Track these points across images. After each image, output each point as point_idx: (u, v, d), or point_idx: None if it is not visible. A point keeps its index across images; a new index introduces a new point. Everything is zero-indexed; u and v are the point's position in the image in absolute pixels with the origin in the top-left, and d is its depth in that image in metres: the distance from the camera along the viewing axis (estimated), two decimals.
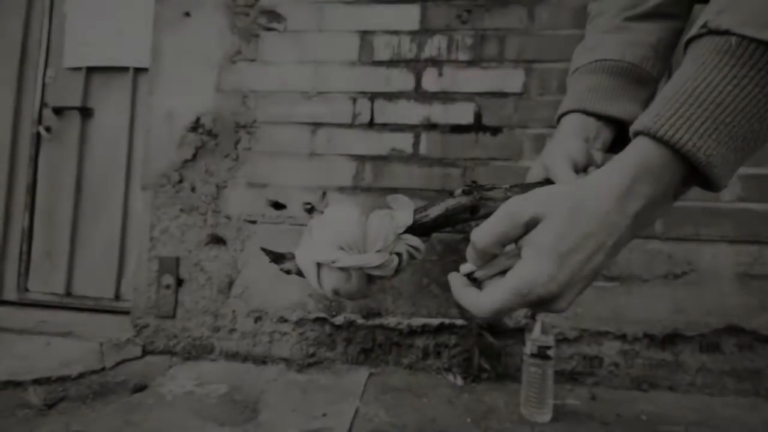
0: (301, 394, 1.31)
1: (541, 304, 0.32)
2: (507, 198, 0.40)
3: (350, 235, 0.38)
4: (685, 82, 0.29)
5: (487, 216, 0.39)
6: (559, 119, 0.53)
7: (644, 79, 0.51)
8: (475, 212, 0.40)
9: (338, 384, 1.38)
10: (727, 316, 1.39)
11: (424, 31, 1.55)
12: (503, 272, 0.33)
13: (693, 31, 0.31)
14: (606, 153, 0.52)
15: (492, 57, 1.52)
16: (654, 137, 0.29)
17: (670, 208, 0.32)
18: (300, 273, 0.41)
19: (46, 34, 1.98)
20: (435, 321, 1.48)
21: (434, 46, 1.55)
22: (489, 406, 1.26)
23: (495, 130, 1.51)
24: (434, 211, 0.40)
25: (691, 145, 0.28)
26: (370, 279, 0.40)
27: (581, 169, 0.45)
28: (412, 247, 0.40)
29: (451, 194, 0.40)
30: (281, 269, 0.42)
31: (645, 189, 0.30)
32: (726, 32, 0.28)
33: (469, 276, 0.36)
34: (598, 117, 0.50)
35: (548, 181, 0.43)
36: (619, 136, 0.53)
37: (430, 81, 1.54)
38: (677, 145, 0.28)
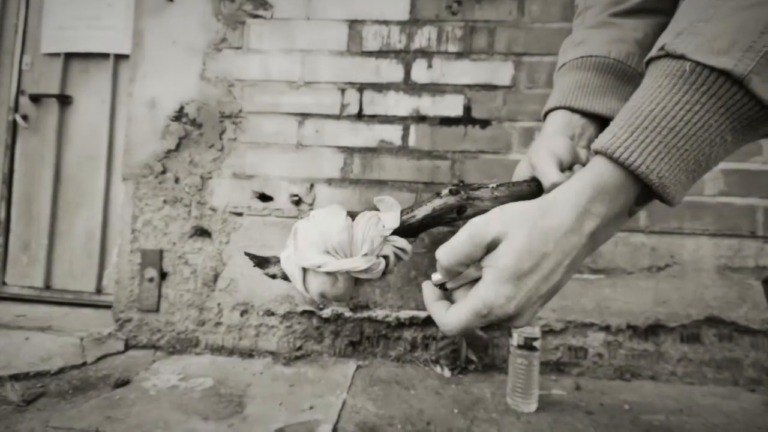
0: (287, 387, 1.30)
1: (501, 322, 0.33)
2: (494, 197, 0.40)
3: (336, 239, 0.37)
4: (641, 104, 0.30)
5: (475, 215, 0.39)
6: (545, 116, 0.53)
7: (629, 76, 0.51)
8: (462, 212, 0.40)
9: (326, 377, 1.37)
10: (708, 307, 1.42)
11: (413, 22, 1.53)
12: (474, 281, 0.35)
13: (653, 51, 0.31)
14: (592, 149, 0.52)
15: (481, 49, 1.51)
16: (611, 158, 0.30)
17: (624, 223, 0.34)
18: (285, 277, 0.41)
19: (23, 19, 1.91)
20: (423, 313, 1.48)
21: (424, 36, 1.53)
22: (476, 396, 1.27)
23: (484, 123, 1.51)
24: (421, 212, 0.39)
25: (644, 168, 0.29)
26: (357, 281, 0.40)
27: (567, 167, 0.45)
28: (398, 248, 0.40)
29: (437, 194, 0.40)
30: (266, 274, 0.41)
31: (599, 209, 0.32)
32: (681, 57, 0.29)
33: (442, 285, 0.37)
34: (583, 114, 0.50)
35: (534, 180, 0.43)
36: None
37: (420, 72, 1.53)
38: (632, 167, 0.29)
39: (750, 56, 0.26)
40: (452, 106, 1.52)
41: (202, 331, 1.55)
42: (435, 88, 1.52)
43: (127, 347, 1.55)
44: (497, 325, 0.34)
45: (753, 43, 0.26)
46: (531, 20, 1.50)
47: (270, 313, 1.54)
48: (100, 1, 1.85)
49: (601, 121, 0.52)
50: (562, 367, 1.45)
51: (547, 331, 1.45)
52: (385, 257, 0.40)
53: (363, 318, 1.50)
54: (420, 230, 0.40)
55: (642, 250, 1.45)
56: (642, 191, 0.31)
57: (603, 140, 0.31)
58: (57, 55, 1.87)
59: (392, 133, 1.54)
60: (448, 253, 0.34)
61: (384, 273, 0.40)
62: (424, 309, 1.49)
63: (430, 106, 1.53)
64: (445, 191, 0.40)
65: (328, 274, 0.38)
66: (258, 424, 1.08)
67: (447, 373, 1.42)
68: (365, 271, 0.38)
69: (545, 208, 0.33)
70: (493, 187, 0.40)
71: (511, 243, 0.32)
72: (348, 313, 1.50)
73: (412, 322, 1.49)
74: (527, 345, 1.17)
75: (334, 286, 0.39)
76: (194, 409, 1.14)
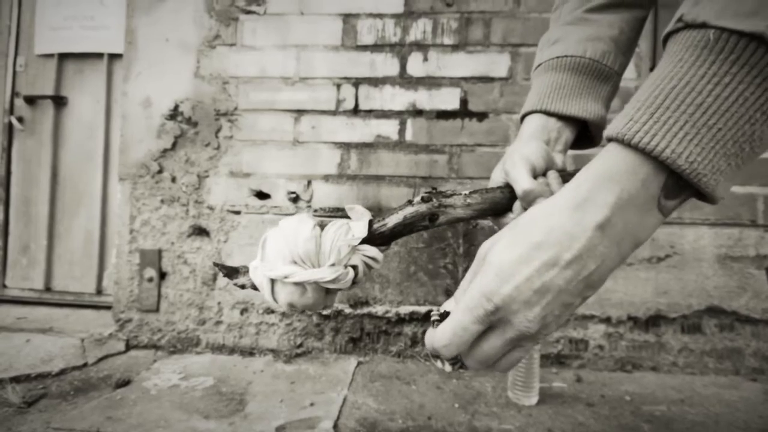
0: (288, 384, 1.30)
1: (497, 321, 0.30)
2: (467, 204, 0.40)
3: (302, 249, 0.37)
4: (661, 82, 0.26)
5: (447, 223, 0.39)
6: (522, 119, 0.52)
7: (605, 75, 0.50)
8: (434, 220, 0.39)
9: (326, 373, 1.37)
10: (709, 297, 1.41)
11: (408, 14, 1.52)
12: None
13: (670, 25, 0.28)
14: (570, 149, 0.51)
15: (477, 41, 1.50)
16: (629, 144, 0.26)
17: (656, 223, 0.28)
18: (255, 287, 0.40)
19: (16, 20, 1.90)
20: (423, 308, 1.48)
21: (419, 29, 1.52)
22: (477, 391, 1.27)
23: (481, 116, 1.50)
24: (392, 220, 0.39)
25: (669, 151, 0.25)
26: (328, 290, 0.39)
27: (540, 172, 0.44)
28: (369, 257, 0.39)
29: (409, 202, 0.40)
30: (235, 284, 0.41)
31: (606, 197, 0.27)
32: (703, 25, 0.25)
33: (444, 314, 0.35)
34: (559, 117, 0.49)
35: (507, 186, 0.42)
36: (582, 135, 0.52)
37: (416, 66, 1.52)
38: (654, 152, 0.25)
39: None
40: (449, 99, 1.51)
41: (202, 330, 1.55)
42: (431, 82, 1.51)
43: (128, 347, 1.55)
44: (495, 326, 0.30)
45: None
46: (527, 10, 1.48)
47: (270, 311, 1.53)
48: (93, 1, 1.84)
49: (577, 124, 0.51)
50: (562, 360, 1.45)
51: None
52: (354, 267, 0.39)
53: (363, 314, 1.50)
54: (392, 238, 0.40)
55: None
56: (670, 181, 0.26)
57: (617, 125, 0.27)
58: (51, 55, 1.86)
59: (389, 128, 1.53)
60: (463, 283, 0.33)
61: (354, 282, 0.40)
62: (423, 304, 1.49)
63: (426, 99, 1.51)
64: (417, 198, 0.39)
65: (296, 284, 0.37)
66: (259, 422, 1.08)
67: (448, 367, 1.40)
68: (333, 281, 0.37)
69: (546, 202, 0.30)
70: (465, 194, 0.40)
71: (505, 236, 0.30)
72: (348, 310, 1.50)
73: (412, 318, 1.48)
74: None
75: (303, 296, 0.38)
76: (195, 408, 1.14)
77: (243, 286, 0.41)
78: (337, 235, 0.38)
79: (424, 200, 0.39)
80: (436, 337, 0.32)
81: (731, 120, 0.24)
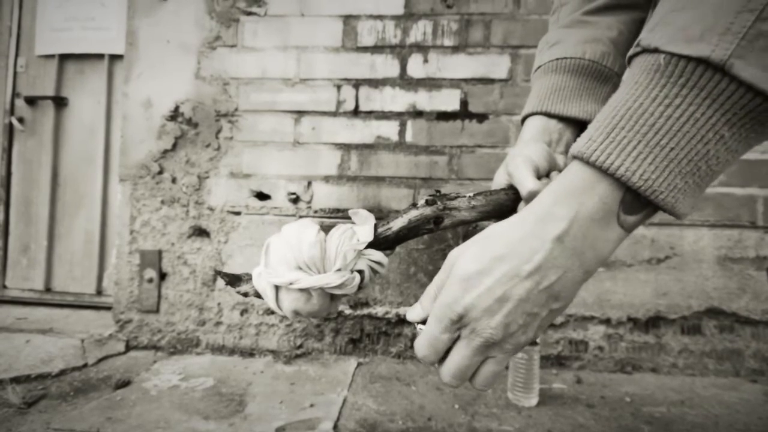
0: (288, 385, 1.30)
1: (464, 330, 0.31)
2: (471, 207, 0.40)
3: (307, 254, 0.36)
4: (618, 103, 0.28)
5: (452, 225, 0.39)
6: (523, 121, 0.52)
7: (605, 76, 0.50)
8: (438, 223, 0.39)
9: (326, 374, 1.37)
10: (708, 298, 1.41)
11: (408, 16, 1.52)
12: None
13: (631, 49, 0.29)
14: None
15: (478, 42, 1.50)
16: (587, 162, 0.28)
17: (617, 237, 0.29)
18: (258, 295, 0.40)
19: (17, 21, 1.90)
20: None
21: (419, 31, 1.52)
22: (477, 392, 1.27)
23: (481, 117, 1.50)
24: (397, 224, 0.39)
25: (624, 169, 0.26)
26: (333, 296, 0.39)
27: (544, 174, 0.44)
28: (374, 262, 0.39)
29: (414, 205, 0.39)
30: (238, 292, 0.41)
31: (564, 211, 0.29)
32: (656, 50, 0.26)
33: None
34: (560, 119, 0.49)
35: (511, 188, 0.42)
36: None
37: (416, 67, 1.52)
38: (610, 170, 0.27)
39: (728, 39, 0.23)
40: (449, 100, 1.51)
41: (202, 330, 1.55)
42: (431, 83, 1.51)
43: (128, 348, 1.55)
44: (466, 334, 0.31)
45: (730, 25, 0.23)
46: (527, 12, 1.48)
47: (270, 312, 1.53)
48: (94, 2, 1.84)
49: (578, 125, 0.51)
50: (562, 361, 1.45)
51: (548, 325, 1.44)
52: (360, 272, 0.38)
53: (363, 315, 1.50)
54: (397, 242, 0.39)
55: (642, 242, 1.44)
56: (628, 197, 0.28)
57: (578, 144, 0.29)
58: (52, 56, 1.86)
59: (389, 129, 1.53)
60: (429, 287, 0.35)
61: (360, 287, 0.39)
62: None
63: (426, 101, 1.52)
64: (421, 202, 0.39)
65: (301, 290, 0.37)
66: (259, 423, 1.08)
67: None
68: (339, 286, 0.37)
69: (511, 218, 0.32)
70: (470, 197, 0.40)
71: (469, 249, 0.32)
72: (348, 311, 1.50)
73: None
74: None
75: (308, 302, 0.38)
76: (195, 409, 1.14)
77: (246, 294, 0.40)
78: (342, 240, 0.37)
79: (428, 203, 0.38)
80: (416, 347, 0.33)
81: (683, 140, 0.26)
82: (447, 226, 0.39)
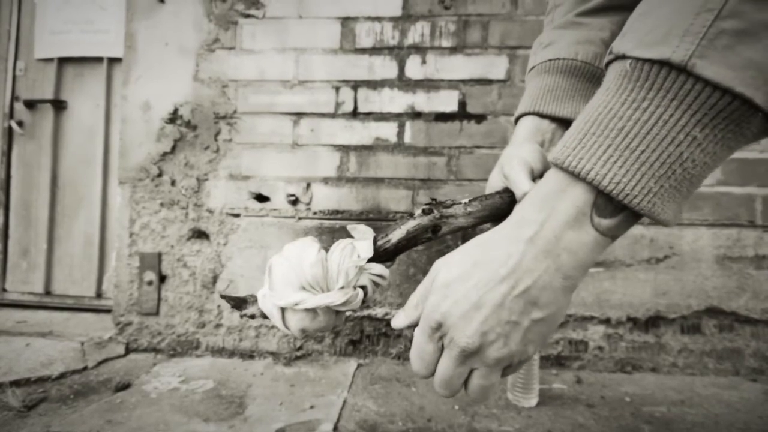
0: (288, 387, 1.30)
1: (444, 339, 0.31)
2: (468, 213, 0.40)
3: (310, 274, 0.37)
4: (591, 110, 0.28)
5: (449, 233, 0.40)
6: (516, 121, 0.53)
7: (598, 77, 0.51)
8: (436, 231, 0.40)
9: (326, 376, 1.37)
10: (708, 298, 1.42)
11: (406, 17, 1.52)
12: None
13: (606, 56, 0.30)
14: None
15: (475, 43, 1.50)
16: (561, 167, 0.29)
17: (593, 241, 0.29)
18: (264, 316, 0.40)
19: (15, 25, 1.90)
20: None
21: (417, 32, 1.52)
22: None
23: (479, 118, 1.50)
24: (396, 236, 0.39)
25: (594, 173, 0.27)
26: (338, 311, 0.40)
27: (538, 175, 0.44)
28: (376, 275, 0.39)
29: (411, 215, 0.40)
30: (243, 315, 0.41)
31: (536, 215, 0.29)
32: (623, 56, 0.27)
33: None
34: (552, 119, 0.50)
35: (506, 191, 0.42)
36: None
37: (414, 68, 1.52)
38: (581, 174, 0.27)
39: (688, 40, 0.24)
40: (447, 101, 1.51)
41: (202, 333, 1.55)
42: (429, 84, 1.52)
43: (128, 351, 1.55)
44: (448, 341, 0.31)
45: (690, 26, 0.24)
46: (524, 13, 1.49)
47: None
48: (93, 5, 1.84)
49: (570, 125, 0.51)
50: (562, 361, 1.45)
51: None
52: (363, 287, 0.39)
53: (363, 316, 1.50)
54: (396, 253, 0.40)
55: (641, 241, 1.44)
56: (600, 200, 0.28)
57: (554, 151, 0.29)
58: (50, 60, 1.86)
59: (388, 130, 1.53)
60: (413, 296, 0.35)
61: (363, 301, 0.40)
62: None
63: (425, 102, 1.52)
64: (418, 211, 0.40)
65: (307, 310, 0.38)
66: (259, 425, 1.08)
67: None
68: (343, 304, 0.38)
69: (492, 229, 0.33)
70: (465, 203, 0.40)
71: (448, 263, 0.32)
72: (348, 312, 1.50)
73: None
74: None
75: (315, 320, 0.38)
76: (195, 411, 1.14)
77: (252, 316, 0.41)
78: (343, 257, 0.38)
79: (425, 212, 0.39)
80: (410, 361, 0.34)
81: (653, 142, 0.25)
82: (445, 233, 0.40)
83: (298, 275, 0.37)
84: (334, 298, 0.37)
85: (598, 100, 0.28)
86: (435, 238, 0.40)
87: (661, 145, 0.25)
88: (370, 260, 0.39)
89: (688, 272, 1.43)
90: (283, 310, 0.38)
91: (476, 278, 0.30)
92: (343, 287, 0.37)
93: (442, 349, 0.32)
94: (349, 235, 0.41)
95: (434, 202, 0.40)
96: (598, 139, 0.27)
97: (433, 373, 0.33)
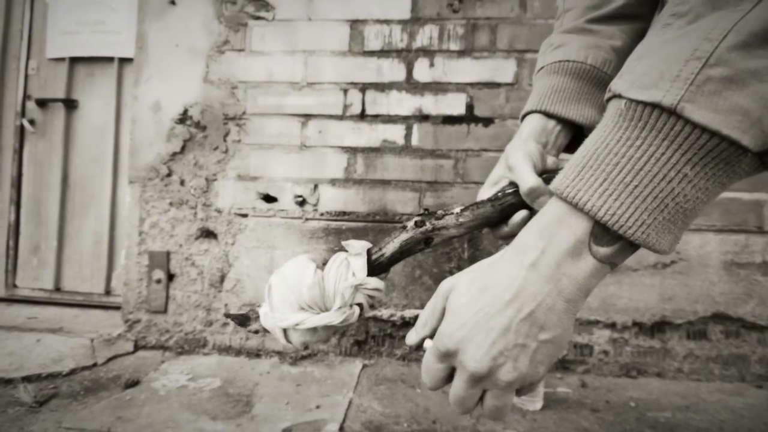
0: (294, 386, 1.31)
1: (455, 362, 0.33)
2: (459, 224, 0.41)
3: (308, 296, 0.39)
4: (590, 144, 0.30)
5: (442, 244, 0.41)
6: (523, 118, 0.53)
7: (605, 83, 0.51)
8: (429, 243, 0.41)
9: (332, 376, 1.38)
10: (714, 304, 1.41)
11: (415, 20, 1.53)
12: None
13: (605, 94, 0.31)
14: (563, 153, 0.53)
15: (483, 47, 1.51)
16: (560, 197, 0.30)
17: (592, 267, 0.30)
18: (267, 331, 0.43)
19: (28, 24, 1.93)
20: None
21: (425, 35, 1.53)
22: None
23: (487, 121, 1.50)
24: (389, 249, 0.41)
25: (590, 204, 0.28)
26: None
27: (538, 173, 0.45)
28: (371, 290, 0.41)
29: (403, 228, 0.41)
30: (249, 331, 0.44)
31: (538, 242, 0.31)
32: (619, 96, 0.29)
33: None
34: (558, 120, 0.50)
35: (496, 198, 0.43)
36: (576, 138, 0.53)
37: (422, 71, 1.53)
38: (579, 204, 0.29)
39: (678, 85, 0.25)
40: (455, 104, 1.52)
41: (209, 331, 1.57)
42: (437, 87, 1.52)
43: (137, 348, 1.57)
44: (456, 364, 0.33)
45: (680, 72, 0.26)
46: (533, 16, 1.49)
47: None
48: (104, 6, 1.86)
49: (574, 129, 0.52)
50: (567, 365, 1.45)
51: None
52: (359, 304, 0.41)
53: (368, 317, 1.51)
54: (390, 265, 0.42)
55: None
56: (597, 230, 0.29)
57: (555, 181, 0.31)
58: (62, 59, 1.89)
59: (395, 133, 1.54)
60: (422, 313, 0.37)
61: (360, 315, 0.42)
62: None
63: (432, 105, 1.52)
64: (410, 224, 0.41)
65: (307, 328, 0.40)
66: (266, 424, 1.09)
67: None
68: (341, 322, 0.40)
69: (496, 255, 0.34)
70: (457, 213, 0.41)
71: (459, 284, 0.34)
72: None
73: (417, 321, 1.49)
74: None
75: (315, 335, 0.41)
76: (203, 409, 1.16)
77: (257, 332, 0.44)
78: (339, 276, 0.40)
79: (417, 225, 0.40)
80: (422, 375, 0.36)
81: (646, 178, 0.27)
82: (437, 243, 0.41)
83: (296, 296, 0.39)
84: (332, 318, 0.39)
85: (597, 135, 0.30)
86: (427, 249, 0.41)
87: (653, 181, 0.27)
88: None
89: (694, 278, 1.43)
90: (285, 329, 0.41)
91: (482, 303, 0.31)
92: (340, 307, 0.39)
93: (452, 368, 0.34)
94: (346, 248, 0.42)
95: (426, 212, 0.41)
96: (595, 173, 0.28)
97: (440, 388, 0.35)
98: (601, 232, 0.29)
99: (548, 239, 0.30)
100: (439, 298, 0.35)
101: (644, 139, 0.27)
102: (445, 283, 0.35)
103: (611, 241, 0.30)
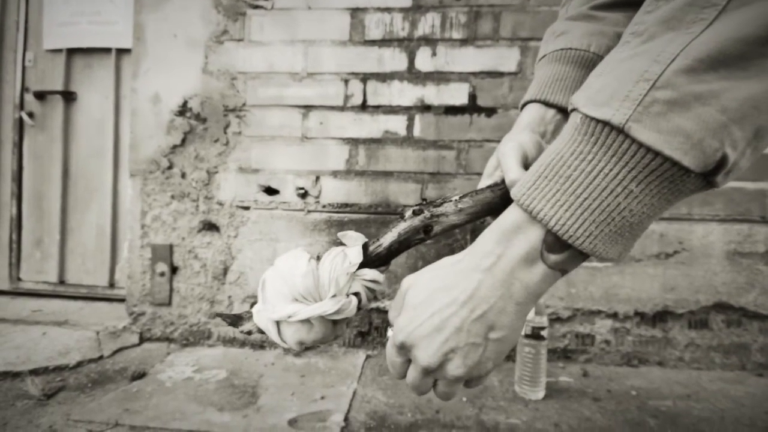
0: (299, 377, 1.32)
1: (410, 355, 0.35)
2: (459, 210, 0.39)
3: (301, 285, 0.37)
4: (547, 155, 0.31)
5: (443, 232, 0.40)
6: (522, 107, 0.52)
7: None
8: (429, 231, 0.39)
9: (336, 367, 1.40)
10: (717, 293, 1.42)
11: (416, 8, 1.50)
12: None
13: (569, 105, 0.32)
14: None
15: (486, 35, 1.48)
16: (518, 205, 0.32)
17: (543, 273, 0.32)
18: (261, 331, 0.40)
19: (24, 16, 1.90)
20: None
21: (427, 24, 1.50)
22: (484, 384, 1.29)
23: (490, 111, 1.49)
24: (387, 239, 0.39)
25: (543, 213, 0.29)
26: (335, 321, 0.40)
27: (532, 162, 0.44)
28: (369, 281, 0.39)
29: (402, 217, 0.39)
30: (241, 331, 0.41)
31: (496, 248, 0.32)
32: (576, 110, 0.29)
33: None
34: (558, 109, 0.49)
35: (497, 184, 0.42)
36: None
37: (424, 61, 1.51)
38: (533, 213, 0.30)
39: (627, 105, 0.26)
40: (457, 94, 1.50)
41: (214, 323, 1.58)
42: (440, 77, 1.50)
43: (142, 340, 1.58)
44: (412, 357, 0.35)
45: (629, 92, 0.26)
46: (537, 4, 1.46)
47: None
48: None
49: None
50: (569, 355, 1.46)
51: (555, 319, 1.46)
52: (356, 294, 0.39)
53: (371, 308, 1.52)
54: (390, 257, 0.40)
55: (650, 236, 1.44)
56: (549, 238, 0.31)
57: (515, 189, 0.32)
58: (59, 51, 1.86)
59: (397, 124, 1.52)
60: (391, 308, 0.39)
61: (359, 308, 0.40)
62: None
63: (434, 95, 1.51)
64: (408, 213, 0.39)
65: (302, 322, 0.38)
66: (272, 415, 1.11)
67: None
68: (337, 312, 0.37)
69: (456, 255, 0.35)
70: (456, 200, 0.40)
71: (416, 284, 0.35)
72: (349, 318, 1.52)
73: None
74: (534, 334, 1.18)
75: (311, 331, 0.39)
76: (209, 401, 1.17)
77: (249, 333, 0.41)
78: (334, 265, 0.37)
79: (415, 213, 0.39)
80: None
81: (594, 192, 0.28)
82: (438, 233, 0.40)
83: (290, 287, 0.37)
84: (327, 307, 0.37)
85: (555, 147, 0.31)
86: (428, 238, 0.40)
87: (601, 195, 0.28)
88: (363, 266, 0.39)
89: (697, 267, 1.43)
90: (278, 323, 0.38)
91: (439, 303, 0.33)
92: (335, 295, 0.37)
93: (409, 360, 0.36)
94: (342, 243, 0.40)
95: (424, 201, 0.40)
96: (549, 183, 0.30)
97: (402, 378, 0.37)
98: (553, 240, 0.31)
99: (505, 245, 0.32)
100: (400, 294, 0.37)
101: (595, 154, 0.28)
102: (406, 280, 0.37)
103: (562, 249, 0.31)
